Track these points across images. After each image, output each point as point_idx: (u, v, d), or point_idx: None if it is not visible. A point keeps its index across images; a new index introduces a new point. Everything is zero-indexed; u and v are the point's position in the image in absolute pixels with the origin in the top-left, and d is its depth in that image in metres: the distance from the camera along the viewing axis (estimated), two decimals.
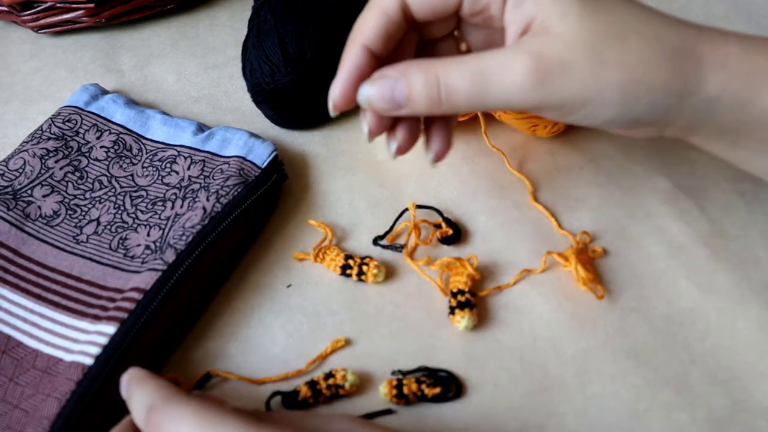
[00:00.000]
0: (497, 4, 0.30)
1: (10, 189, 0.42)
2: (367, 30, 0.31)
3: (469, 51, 0.35)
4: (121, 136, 0.46)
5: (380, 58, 0.31)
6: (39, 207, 0.41)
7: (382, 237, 0.42)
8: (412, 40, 0.33)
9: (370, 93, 0.30)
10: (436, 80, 0.29)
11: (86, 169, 0.44)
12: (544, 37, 0.28)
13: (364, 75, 0.31)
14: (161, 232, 0.40)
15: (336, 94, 0.31)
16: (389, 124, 0.33)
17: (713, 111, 0.29)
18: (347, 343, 0.38)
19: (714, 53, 0.28)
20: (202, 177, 0.43)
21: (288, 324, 0.39)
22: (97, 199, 0.42)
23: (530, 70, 0.27)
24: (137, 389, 0.29)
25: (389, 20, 0.31)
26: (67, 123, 0.46)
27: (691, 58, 0.28)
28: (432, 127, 0.34)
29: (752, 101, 0.29)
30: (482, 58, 0.29)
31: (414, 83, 0.29)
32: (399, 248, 0.41)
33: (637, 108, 0.29)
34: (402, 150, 0.33)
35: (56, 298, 0.38)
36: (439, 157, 0.34)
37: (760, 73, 0.28)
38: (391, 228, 0.42)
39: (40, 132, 0.45)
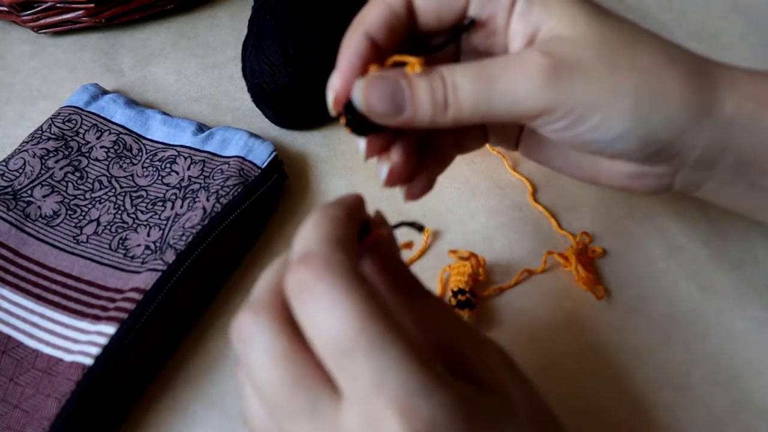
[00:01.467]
0: (503, 13, 0.28)
1: (10, 189, 0.42)
2: (369, 19, 0.28)
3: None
4: (121, 136, 0.46)
5: (381, 51, 0.29)
6: (39, 207, 0.41)
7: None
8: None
9: (368, 92, 0.27)
10: (441, 80, 0.27)
11: (86, 169, 0.44)
12: (554, 41, 0.27)
13: (366, 66, 0.28)
14: (161, 232, 0.40)
15: (337, 85, 0.28)
16: (384, 142, 0.30)
17: (730, 136, 0.28)
18: None
19: (724, 74, 0.28)
20: (202, 177, 0.43)
21: None
22: (97, 199, 0.42)
23: (542, 67, 0.26)
24: (308, 227, 0.23)
25: (393, 13, 0.29)
26: (67, 123, 0.46)
27: (704, 75, 0.28)
28: (423, 163, 0.32)
29: (762, 120, 0.28)
30: (491, 61, 0.27)
31: (417, 83, 0.27)
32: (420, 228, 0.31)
33: (651, 122, 0.27)
34: (394, 176, 0.30)
35: (56, 299, 0.38)
36: (413, 195, 0.32)
37: None
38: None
39: (40, 132, 0.45)
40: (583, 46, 0.27)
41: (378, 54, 0.28)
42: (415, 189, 0.32)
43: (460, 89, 0.27)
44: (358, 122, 0.28)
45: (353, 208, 0.25)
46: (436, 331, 0.24)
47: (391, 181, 0.31)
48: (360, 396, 0.20)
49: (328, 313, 0.20)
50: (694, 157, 0.28)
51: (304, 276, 0.21)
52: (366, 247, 0.26)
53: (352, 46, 0.28)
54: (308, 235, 0.23)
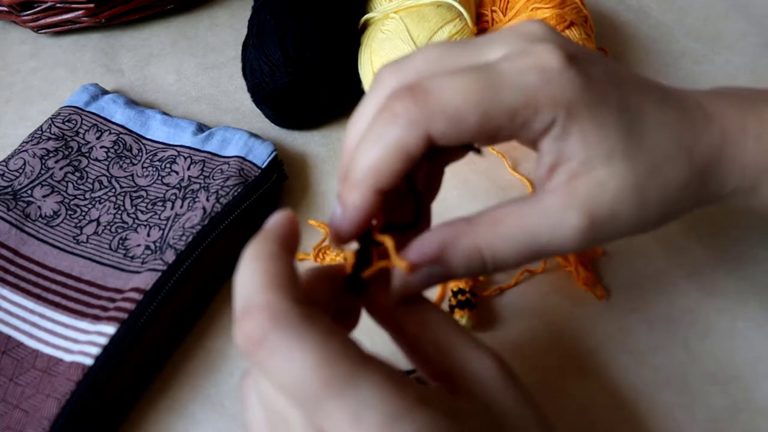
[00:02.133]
0: (534, 132, 0.26)
1: (10, 189, 0.42)
2: (384, 173, 0.25)
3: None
4: (121, 136, 0.46)
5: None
6: (39, 207, 0.41)
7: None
8: None
9: (409, 282, 0.26)
10: (479, 254, 0.26)
11: (86, 169, 0.44)
12: (589, 184, 0.26)
13: (371, 218, 0.26)
14: (161, 232, 0.40)
15: (340, 237, 0.26)
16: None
17: (719, 202, 0.30)
18: None
19: (734, 159, 0.29)
20: (201, 177, 0.43)
21: None
22: (97, 199, 0.42)
23: (583, 230, 0.26)
24: (248, 263, 0.23)
25: (411, 162, 0.25)
26: (67, 123, 0.46)
27: (715, 169, 0.28)
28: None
29: (757, 191, 0.29)
30: (527, 221, 0.26)
31: (453, 260, 0.26)
32: None
33: (661, 225, 0.29)
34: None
35: (56, 299, 0.38)
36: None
37: None
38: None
39: (40, 132, 0.45)
40: (619, 193, 0.26)
41: (383, 199, 0.26)
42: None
43: (500, 260, 0.26)
44: (360, 286, 0.26)
45: (286, 234, 0.24)
46: (431, 339, 0.25)
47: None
48: None
49: (287, 366, 0.20)
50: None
51: (252, 331, 0.21)
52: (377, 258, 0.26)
53: (360, 205, 0.26)
54: (246, 283, 0.22)
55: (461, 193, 0.45)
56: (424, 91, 0.25)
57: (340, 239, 0.26)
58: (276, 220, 0.25)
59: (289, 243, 0.24)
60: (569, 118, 0.26)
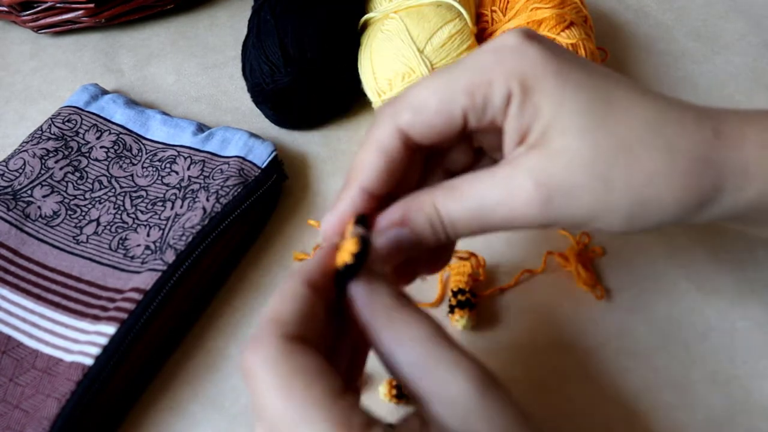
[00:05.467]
0: (500, 114, 0.27)
1: (10, 189, 0.42)
2: (365, 170, 0.28)
3: (482, 150, 0.32)
4: (121, 136, 0.46)
5: (379, 196, 0.29)
6: (39, 207, 0.41)
7: None
8: (418, 158, 0.30)
9: (381, 247, 0.27)
10: (438, 215, 0.27)
11: (86, 169, 0.44)
12: (541, 154, 0.26)
13: (351, 216, 0.28)
14: (161, 232, 0.40)
15: (327, 231, 0.29)
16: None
17: (730, 214, 0.28)
18: None
19: (732, 160, 0.26)
20: (201, 177, 0.43)
21: None
22: (97, 199, 0.42)
23: (536, 199, 0.26)
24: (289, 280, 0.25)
25: (389, 158, 0.28)
26: (67, 123, 0.46)
27: (708, 168, 0.26)
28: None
29: None
30: (479, 186, 0.27)
31: (417, 225, 0.27)
32: None
33: (645, 224, 0.27)
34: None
35: (56, 299, 0.38)
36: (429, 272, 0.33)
37: None
38: None
39: (40, 132, 0.45)
40: (576, 165, 0.26)
41: (374, 200, 0.28)
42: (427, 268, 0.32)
43: (458, 223, 0.27)
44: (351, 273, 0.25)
45: (324, 273, 0.25)
46: (404, 359, 0.23)
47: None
48: None
49: (257, 396, 0.22)
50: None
51: (244, 355, 0.23)
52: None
53: (346, 200, 0.28)
54: (267, 307, 0.24)
55: None
56: (399, 97, 0.28)
57: (328, 232, 0.28)
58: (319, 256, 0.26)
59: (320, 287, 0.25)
60: (525, 92, 0.26)
